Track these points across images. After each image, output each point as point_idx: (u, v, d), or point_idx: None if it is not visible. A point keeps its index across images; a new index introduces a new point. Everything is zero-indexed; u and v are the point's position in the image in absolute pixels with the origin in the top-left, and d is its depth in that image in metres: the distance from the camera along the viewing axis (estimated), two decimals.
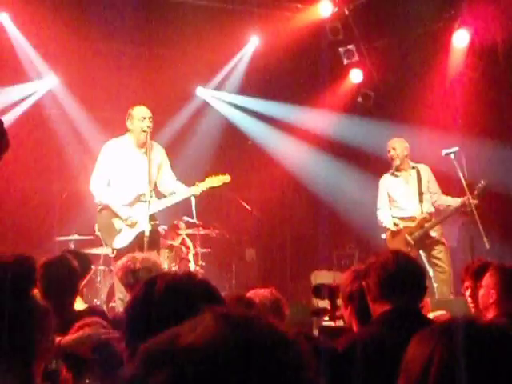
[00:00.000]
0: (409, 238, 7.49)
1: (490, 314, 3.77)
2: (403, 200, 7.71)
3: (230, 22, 10.14)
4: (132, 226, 6.53)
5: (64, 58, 9.82)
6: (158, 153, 6.87)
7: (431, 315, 4.18)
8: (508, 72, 8.99)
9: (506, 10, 8.90)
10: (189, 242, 8.83)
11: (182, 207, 7.44)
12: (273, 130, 10.63)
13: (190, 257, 8.68)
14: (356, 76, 10.42)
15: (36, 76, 9.74)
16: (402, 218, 7.67)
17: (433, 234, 7.52)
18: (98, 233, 6.72)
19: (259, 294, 3.60)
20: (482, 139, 8.38)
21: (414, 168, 7.73)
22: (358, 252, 9.61)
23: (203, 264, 8.48)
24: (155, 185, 6.79)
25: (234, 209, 10.14)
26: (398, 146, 7.77)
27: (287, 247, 11.18)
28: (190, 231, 8.58)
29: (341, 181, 10.03)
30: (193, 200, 7.95)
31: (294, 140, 10.44)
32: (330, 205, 10.24)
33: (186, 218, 8.33)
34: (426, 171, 7.68)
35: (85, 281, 4.65)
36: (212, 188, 6.72)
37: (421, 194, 7.60)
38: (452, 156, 7.36)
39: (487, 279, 3.83)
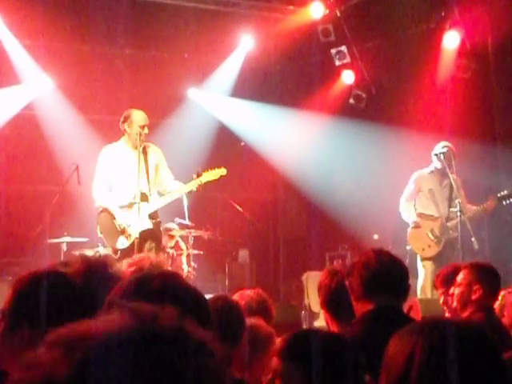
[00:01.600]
0: (430, 235, 7.55)
1: (466, 312, 3.81)
2: (434, 199, 7.72)
3: (222, 24, 10.17)
4: (123, 232, 6.61)
5: (56, 61, 9.81)
6: (155, 153, 6.96)
7: None
8: (498, 73, 9.03)
9: (496, 11, 8.95)
10: (182, 244, 8.83)
11: (175, 209, 7.46)
12: (265, 131, 10.65)
13: (183, 259, 8.69)
14: (348, 77, 10.46)
15: (28, 78, 9.71)
16: (424, 215, 7.70)
17: (453, 233, 7.52)
18: (100, 235, 6.80)
19: (245, 295, 3.59)
20: (472, 140, 8.41)
21: (446, 174, 7.63)
22: (351, 252, 9.63)
23: (195, 266, 8.48)
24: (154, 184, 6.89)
25: (226, 210, 10.15)
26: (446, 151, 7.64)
27: (280, 248, 11.20)
28: (182, 233, 8.60)
29: (333, 182, 10.06)
30: (185, 201, 7.98)
31: (287, 141, 10.46)
32: (322, 206, 10.26)
33: (178, 220, 8.34)
34: (457, 182, 7.61)
35: None
36: (209, 182, 6.79)
37: (451, 199, 7.61)
38: (442, 156, 7.41)
39: (465, 277, 3.88)
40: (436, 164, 7.67)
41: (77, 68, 9.85)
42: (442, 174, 7.69)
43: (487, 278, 3.90)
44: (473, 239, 6.93)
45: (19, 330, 1.82)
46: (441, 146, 7.62)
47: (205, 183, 6.77)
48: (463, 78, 9.28)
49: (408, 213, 7.79)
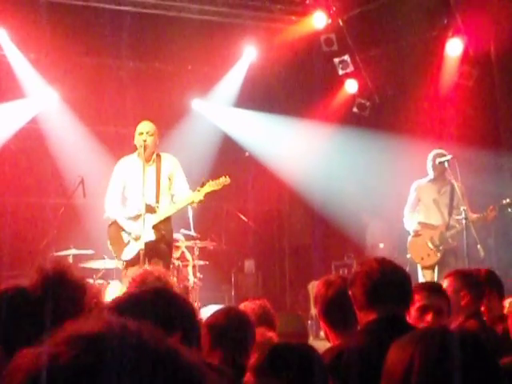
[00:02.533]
0: (430, 244, 7.55)
1: (458, 319, 3.83)
2: (433, 208, 7.74)
3: (225, 35, 10.22)
4: (136, 239, 6.62)
5: (61, 74, 9.87)
6: (169, 163, 6.94)
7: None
8: (501, 80, 9.03)
9: (499, 18, 8.96)
10: (188, 255, 8.84)
11: (180, 220, 7.47)
12: (269, 141, 10.67)
13: (189, 270, 8.69)
14: (351, 86, 10.48)
15: (33, 92, 9.77)
16: (424, 224, 7.71)
17: (453, 242, 7.52)
18: (109, 247, 6.83)
19: (248, 307, 3.61)
20: (477, 147, 8.41)
21: (450, 182, 7.66)
22: (356, 261, 9.62)
23: (201, 276, 8.49)
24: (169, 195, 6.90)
25: (231, 220, 10.16)
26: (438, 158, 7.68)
27: (286, 258, 11.20)
28: (188, 244, 8.61)
29: (338, 190, 10.06)
30: (190, 212, 8.00)
31: (291, 151, 10.48)
32: (327, 215, 10.25)
33: (183, 231, 8.35)
34: (461, 189, 7.61)
35: None
36: (213, 191, 6.76)
37: (451, 206, 7.62)
38: (445, 164, 7.42)
39: (450, 284, 3.91)
40: (433, 172, 7.69)
41: (81, 81, 9.91)
42: (440, 181, 7.71)
43: (472, 283, 3.97)
44: (478, 247, 6.92)
45: None
46: (436, 154, 7.65)
47: (209, 193, 6.74)
48: (466, 86, 9.28)
49: (410, 222, 7.84)
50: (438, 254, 7.58)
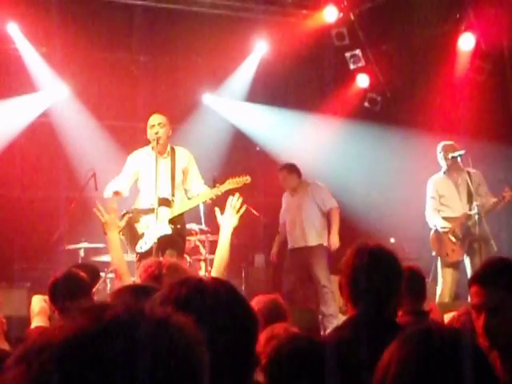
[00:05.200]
0: (451, 237, 7.47)
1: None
2: (452, 200, 7.68)
3: (236, 29, 10.19)
4: (142, 236, 6.62)
5: (72, 68, 9.88)
6: (183, 157, 6.93)
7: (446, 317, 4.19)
8: None
9: (511, 12, 8.90)
10: (201, 249, 8.84)
11: (191, 213, 7.46)
12: (280, 135, 10.65)
13: (202, 264, 8.70)
14: (362, 81, 10.45)
15: (44, 86, 9.79)
16: (448, 218, 7.65)
17: (476, 230, 7.45)
18: (122, 237, 6.81)
19: (260, 301, 3.59)
20: (489, 142, 8.37)
21: (465, 171, 7.62)
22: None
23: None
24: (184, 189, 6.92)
25: (242, 215, 10.15)
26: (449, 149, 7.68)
27: None
28: (200, 237, 8.61)
29: (348, 185, 10.04)
30: (201, 206, 7.99)
31: (302, 145, 10.46)
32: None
33: (194, 225, 8.36)
34: (477, 176, 7.57)
35: (95, 288, 4.77)
36: (232, 189, 6.69)
37: (470, 194, 7.54)
38: (458, 159, 7.39)
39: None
40: (446, 163, 7.64)
41: (92, 75, 9.91)
42: (455, 172, 7.66)
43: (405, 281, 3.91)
44: (492, 242, 6.88)
45: None
46: (445, 145, 7.62)
47: (227, 190, 6.66)
48: (479, 80, 9.24)
49: (434, 219, 7.68)
50: (464, 248, 7.44)
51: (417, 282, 4.13)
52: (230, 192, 6.71)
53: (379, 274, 2.71)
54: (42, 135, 9.81)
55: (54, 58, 9.75)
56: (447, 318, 4.13)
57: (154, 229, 6.51)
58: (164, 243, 6.53)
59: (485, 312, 2.32)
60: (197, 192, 6.85)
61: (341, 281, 2.81)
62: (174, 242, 6.68)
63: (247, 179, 6.68)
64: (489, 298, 2.33)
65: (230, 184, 6.59)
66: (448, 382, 1.44)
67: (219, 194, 6.53)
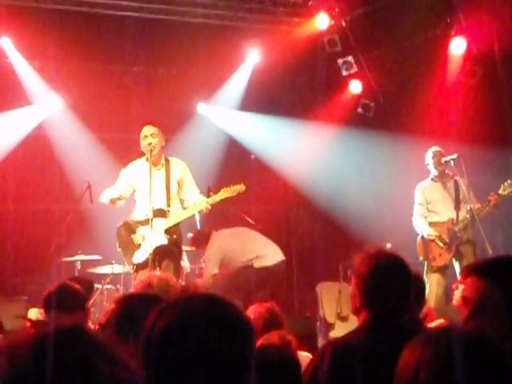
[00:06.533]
0: (439, 242, 7.49)
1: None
2: (440, 205, 7.71)
3: (229, 38, 10.24)
4: (139, 247, 6.65)
5: (66, 80, 9.91)
6: (178, 168, 6.95)
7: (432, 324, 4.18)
8: (505, 78, 9.02)
9: (502, 16, 8.95)
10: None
11: (186, 222, 7.47)
12: (274, 143, 10.68)
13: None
14: (355, 87, 10.49)
15: (38, 99, 9.82)
16: (436, 223, 7.66)
17: (463, 235, 7.49)
18: (118, 249, 6.85)
19: (256, 309, 3.62)
20: (481, 145, 8.40)
21: (452, 177, 7.67)
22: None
23: None
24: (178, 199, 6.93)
25: (237, 223, 10.15)
26: (436, 155, 7.72)
27: (293, 259, 11.17)
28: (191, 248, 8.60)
29: (344, 191, 10.06)
30: (197, 215, 8.00)
31: (296, 152, 10.49)
32: (333, 216, 10.25)
33: (190, 235, 8.37)
34: (464, 182, 7.60)
35: (91, 301, 4.78)
36: (227, 198, 6.75)
37: (458, 201, 7.57)
38: (451, 163, 7.43)
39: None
40: (435, 170, 7.69)
41: (86, 87, 9.94)
42: (443, 178, 7.70)
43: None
44: (486, 245, 6.90)
45: None
46: (436, 151, 7.66)
47: (222, 199, 6.71)
48: (470, 84, 9.28)
49: (421, 225, 7.72)
50: (450, 252, 7.47)
51: (417, 285, 4.10)
52: (225, 200, 6.78)
53: (398, 280, 2.81)
54: (36, 148, 9.83)
55: (48, 71, 9.79)
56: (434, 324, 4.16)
57: (150, 240, 6.52)
58: (160, 254, 6.55)
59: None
60: (192, 201, 6.86)
61: (355, 285, 2.86)
62: (170, 252, 6.69)
63: (241, 187, 6.74)
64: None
65: (224, 193, 6.65)
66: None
67: (215, 202, 6.59)
